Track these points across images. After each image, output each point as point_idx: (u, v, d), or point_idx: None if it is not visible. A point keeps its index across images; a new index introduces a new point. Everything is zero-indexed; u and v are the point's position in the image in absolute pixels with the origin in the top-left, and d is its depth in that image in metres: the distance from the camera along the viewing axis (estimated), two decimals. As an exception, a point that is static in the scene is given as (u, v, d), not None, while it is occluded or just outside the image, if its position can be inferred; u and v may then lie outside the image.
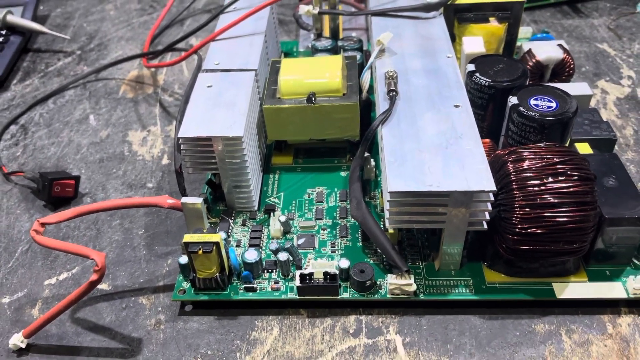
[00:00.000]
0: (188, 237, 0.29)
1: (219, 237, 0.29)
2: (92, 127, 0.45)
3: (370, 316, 0.30)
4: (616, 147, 0.40)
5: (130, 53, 0.54)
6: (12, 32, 0.54)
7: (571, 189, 0.28)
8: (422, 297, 0.30)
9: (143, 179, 0.40)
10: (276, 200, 0.36)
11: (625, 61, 0.49)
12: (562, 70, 0.41)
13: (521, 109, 0.32)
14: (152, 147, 0.43)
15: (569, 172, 0.28)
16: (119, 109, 0.47)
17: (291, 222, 0.34)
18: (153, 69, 0.51)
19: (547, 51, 0.41)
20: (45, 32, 0.54)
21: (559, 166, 0.28)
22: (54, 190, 0.37)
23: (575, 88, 0.39)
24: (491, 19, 0.42)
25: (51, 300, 0.32)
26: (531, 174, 0.28)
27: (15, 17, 0.54)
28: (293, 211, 0.35)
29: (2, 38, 0.53)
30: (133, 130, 0.44)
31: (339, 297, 0.30)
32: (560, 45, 0.41)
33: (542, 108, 0.32)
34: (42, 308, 0.32)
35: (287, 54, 0.50)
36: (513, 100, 0.33)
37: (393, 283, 0.30)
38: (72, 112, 0.47)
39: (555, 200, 0.28)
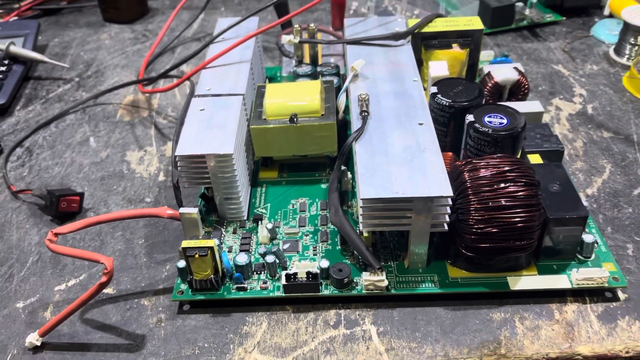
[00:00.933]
0: (186, 243, 0.33)
1: (213, 242, 0.33)
2: (92, 149, 0.49)
3: (348, 310, 0.34)
4: (567, 157, 0.44)
5: (126, 79, 0.58)
6: (14, 61, 0.58)
7: (519, 193, 0.32)
8: (393, 291, 0.34)
9: (141, 194, 0.44)
10: (263, 211, 0.40)
11: (578, 81, 0.54)
12: (518, 90, 0.46)
13: (477, 125, 0.37)
14: (149, 165, 0.46)
15: (516, 179, 0.32)
16: (117, 131, 0.51)
17: (277, 229, 0.38)
18: (147, 94, 0.55)
19: (504, 73, 0.45)
20: (46, 61, 0.58)
21: (508, 174, 0.32)
22: (61, 206, 0.41)
23: (529, 106, 0.43)
24: (454, 45, 0.47)
25: (62, 304, 0.36)
26: (484, 181, 0.32)
27: (17, 48, 0.58)
28: (279, 220, 0.39)
29: (5, 67, 0.57)
30: (131, 151, 0.48)
31: (320, 293, 0.34)
32: (516, 68, 0.46)
33: (495, 124, 0.37)
34: (53, 311, 0.35)
35: (271, 79, 0.54)
36: (470, 117, 0.37)
37: (368, 280, 0.34)
38: (73, 135, 0.50)
39: (506, 203, 0.32)
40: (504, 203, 0.32)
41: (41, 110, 0.54)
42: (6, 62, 0.58)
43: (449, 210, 0.32)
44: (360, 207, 0.32)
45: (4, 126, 0.52)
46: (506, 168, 0.33)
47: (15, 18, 0.70)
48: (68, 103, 0.55)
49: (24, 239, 0.40)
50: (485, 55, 0.53)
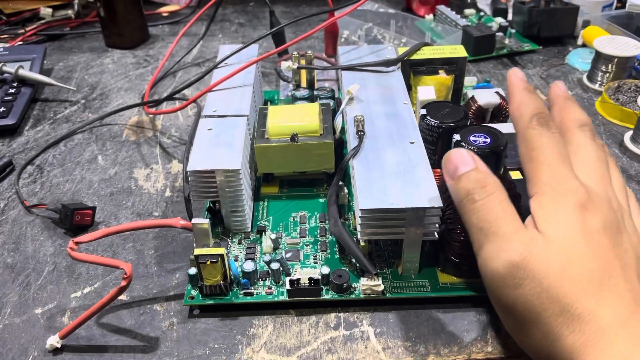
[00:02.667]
0: (198, 251, 0.36)
1: (223, 250, 0.36)
2: (101, 166, 0.51)
3: (347, 313, 0.37)
4: (545, 175, 0.48)
5: (129, 102, 0.61)
6: (22, 84, 0.61)
7: (501, 205, 0.35)
8: (388, 295, 0.37)
9: (150, 209, 0.46)
10: (266, 223, 0.43)
11: (554, 105, 0.58)
12: (500, 112, 0.50)
13: (462, 144, 0.40)
14: (156, 182, 0.49)
15: (499, 192, 0.36)
16: (123, 150, 0.53)
17: (280, 240, 0.41)
18: (151, 115, 0.58)
19: (486, 97, 0.49)
20: (53, 84, 0.61)
21: (491, 187, 0.36)
22: (75, 219, 0.43)
23: (510, 127, 0.47)
24: (440, 71, 0.51)
25: (78, 310, 0.38)
26: (471, 194, 0.36)
27: (26, 71, 0.61)
28: (281, 231, 0.42)
29: (15, 89, 0.59)
30: (137, 168, 0.51)
31: (321, 297, 0.37)
32: (497, 92, 0.50)
33: (479, 143, 0.40)
34: (70, 316, 0.38)
35: (270, 102, 0.57)
36: (456, 137, 0.41)
37: (365, 284, 0.36)
38: (82, 154, 0.53)
39: (490, 214, 0.35)
40: (488, 213, 0.35)
41: (50, 130, 0.57)
42: (15, 84, 0.60)
43: (439, 220, 0.36)
44: (359, 217, 0.36)
45: (14, 145, 0.55)
46: (490, 182, 0.36)
47: (20, 43, 0.73)
48: (75, 123, 0.58)
49: (39, 250, 0.43)
50: (469, 80, 0.57)
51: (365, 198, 0.35)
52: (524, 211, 0.37)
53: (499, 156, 0.40)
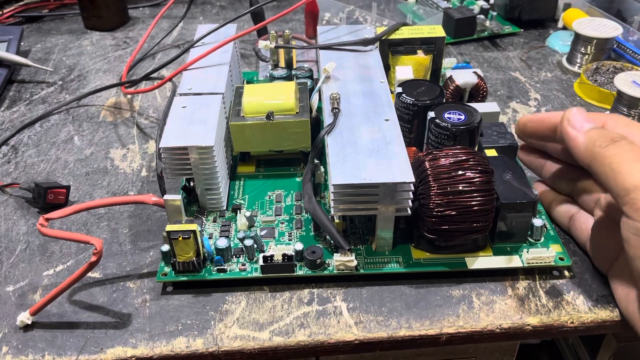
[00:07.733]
0: (170, 227, 0.36)
1: (195, 226, 0.36)
2: (77, 147, 0.51)
3: (320, 289, 0.37)
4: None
5: (108, 83, 0.60)
6: (-2, 65, 0.60)
7: (475, 179, 0.35)
8: (362, 271, 0.37)
9: (125, 188, 0.46)
10: (242, 201, 0.43)
11: (533, 86, 0.58)
12: (477, 92, 0.50)
13: (437, 121, 0.40)
14: (132, 162, 0.49)
15: (472, 167, 0.36)
16: (100, 130, 0.53)
17: (255, 217, 0.41)
18: (129, 96, 0.57)
19: (464, 77, 0.49)
20: (30, 65, 0.60)
21: (465, 162, 0.36)
22: (48, 198, 0.43)
23: (487, 107, 0.47)
24: (419, 51, 0.51)
25: (50, 288, 0.38)
26: (444, 169, 0.36)
27: (2, 52, 0.60)
28: (256, 209, 0.42)
29: (-10, 70, 0.59)
30: (114, 149, 0.50)
31: (295, 274, 0.37)
32: (475, 73, 0.50)
33: (454, 120, 0.40)
34: (42, 294, 0.37)
35: (249, 83, 0.57)
36: (431, 114, 0.41)
37: (338, 260, 0.36)
38: (57, 134, 0.52)
39: (463, 188, 0.35)
40: (461, 188, 0.35)
41: (25, 111, 0.56)
42: (-10, 65, 0.59)
43: (411, 195, 0.36)
44: (332, 192, 0.35)
45: (-11, 126, 0.54)
46: (463, 157, 0.36)
47: (-3, 25, 0.72)
48: (52, 105, 0.57)
49: (12, 229, 0.42)
50: (448, 62, 0.57)
51: (338, 174, 0.35)
52: (499, 185, 0.37)
53: (473, 133, 0.40)
